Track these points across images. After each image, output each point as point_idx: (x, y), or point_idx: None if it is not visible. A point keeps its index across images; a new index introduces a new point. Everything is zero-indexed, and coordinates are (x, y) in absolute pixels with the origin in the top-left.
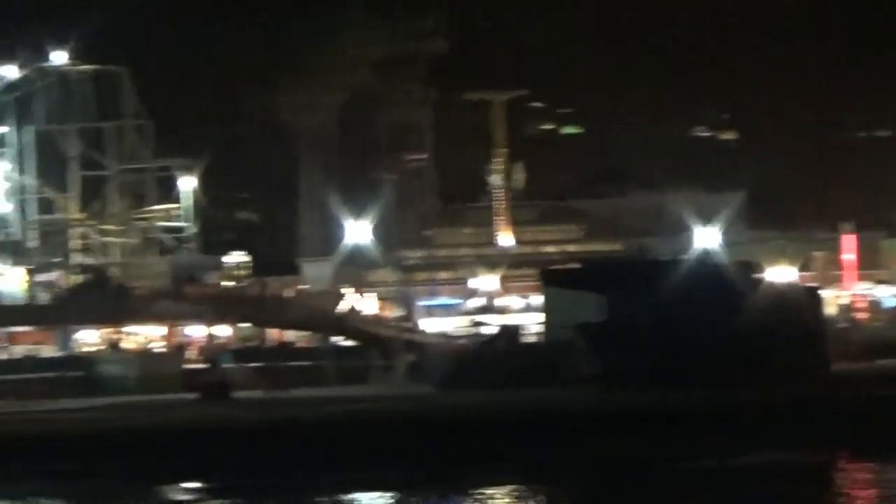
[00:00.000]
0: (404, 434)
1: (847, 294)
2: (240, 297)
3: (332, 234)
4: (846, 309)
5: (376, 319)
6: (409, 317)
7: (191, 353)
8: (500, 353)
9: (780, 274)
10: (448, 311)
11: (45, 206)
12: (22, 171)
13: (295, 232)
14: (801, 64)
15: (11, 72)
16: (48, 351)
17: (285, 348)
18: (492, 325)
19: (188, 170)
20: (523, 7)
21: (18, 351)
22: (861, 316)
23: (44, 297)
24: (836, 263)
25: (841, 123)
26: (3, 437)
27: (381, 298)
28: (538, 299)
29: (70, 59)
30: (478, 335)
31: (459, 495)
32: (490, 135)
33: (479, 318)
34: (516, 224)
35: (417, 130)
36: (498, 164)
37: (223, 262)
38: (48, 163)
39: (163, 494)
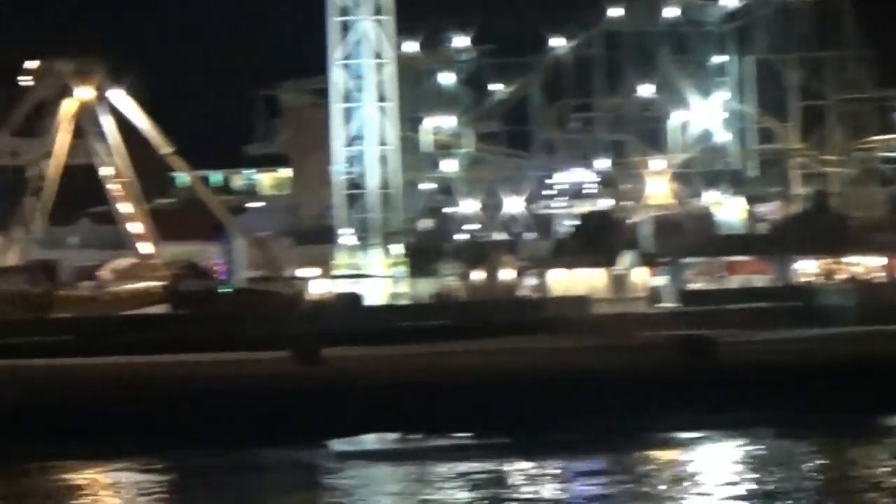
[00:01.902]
0: None
1: None
2: None
3: None
4: None
5: None
6: None
7: None
8: None
9: None
10: None
11: (765, 135)
12: (742, 101)
13: None
14: None
15: (732, 1)
16: (766, 281)
17: None
18: None
19: None
20: None
21: (737, 280)
22: None
23: (762, 227)
24: None
25: None
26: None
27: None
28: None
29: None
30: None
31: None
32: None
33: None
34: None
35: None
36: None
37: None
38: (768, 92)
39: None
